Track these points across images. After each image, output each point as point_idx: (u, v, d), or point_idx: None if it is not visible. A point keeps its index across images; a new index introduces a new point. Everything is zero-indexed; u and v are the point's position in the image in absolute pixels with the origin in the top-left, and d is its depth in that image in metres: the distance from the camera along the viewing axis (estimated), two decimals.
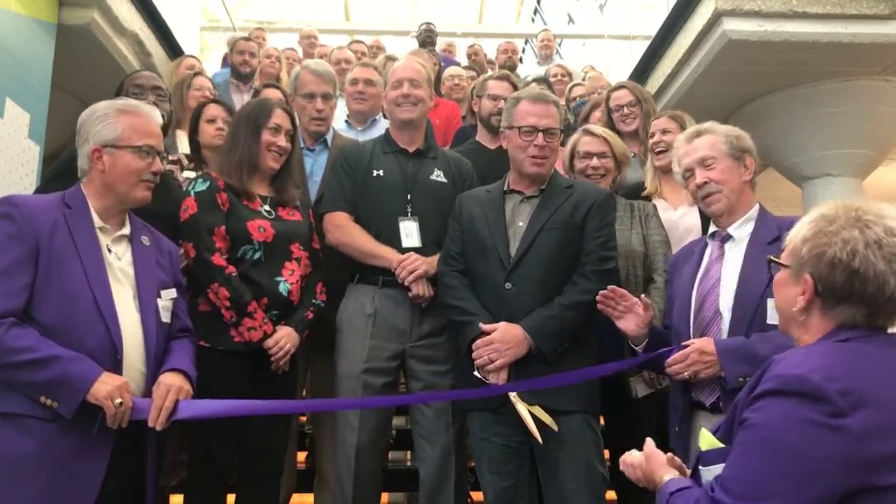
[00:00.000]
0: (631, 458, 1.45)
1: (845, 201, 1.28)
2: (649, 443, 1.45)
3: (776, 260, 1.34)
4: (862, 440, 1.05)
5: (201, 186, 2.31)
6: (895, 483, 1.05)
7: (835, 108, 4.61)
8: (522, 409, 2.06)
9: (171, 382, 1.84)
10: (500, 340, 2.12)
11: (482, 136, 3.47)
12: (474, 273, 2.29)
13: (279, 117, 2.41)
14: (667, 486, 1.31)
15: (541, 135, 2.28)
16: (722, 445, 1.24)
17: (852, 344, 1.19)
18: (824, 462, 1.05)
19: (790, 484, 1.07)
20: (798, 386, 1.10)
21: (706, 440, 1.29)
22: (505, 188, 2.38)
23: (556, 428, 2.07)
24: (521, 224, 2.28)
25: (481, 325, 2.16)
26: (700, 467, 1.28)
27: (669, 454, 1.41)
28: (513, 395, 2.09)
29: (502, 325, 2.15)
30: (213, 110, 2.96)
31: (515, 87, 3.49)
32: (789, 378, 1.12)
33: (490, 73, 4.44)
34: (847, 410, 1.06)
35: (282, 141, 2.39)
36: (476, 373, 2.16)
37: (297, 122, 3.12)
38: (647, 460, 1.41)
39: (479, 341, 2.15)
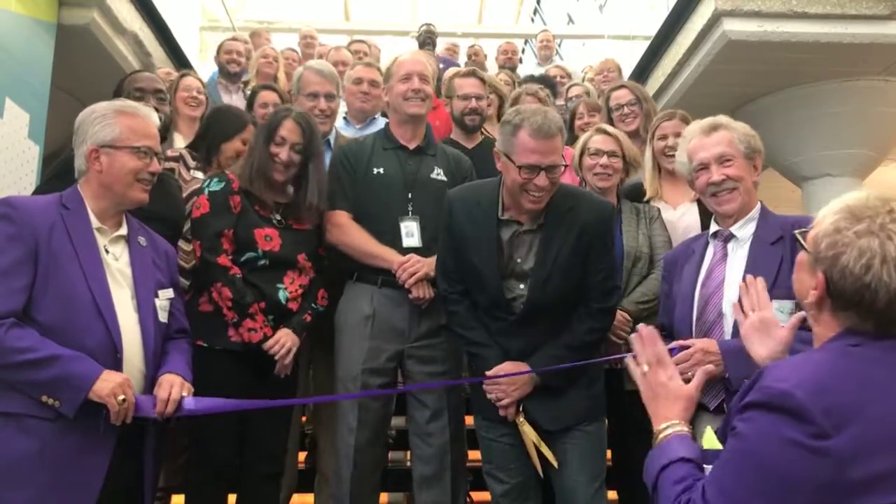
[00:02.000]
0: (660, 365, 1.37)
1: (883, 194, 1.18)
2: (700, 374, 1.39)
3: (801, 240, 1.27)
4: (844, 464, 1.00)
5: (216, 186, 2.32)
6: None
7: (835, 108, 4.61)
8: (527, 440, 2.12)
9: (174, 379, 1.85)
10: (507, 382, 2.13)
11: (457, 135, 3.45)
12: (476, 301, 2.22)
13: (286, 129, 2.37)
14: (670, 448, 1.27)
15: (543, 173, 2.04)
16: (720, 448, 1.22)
17: (859, 350, 1.13)
18: (802, 484, 1.02)
19: (766, 502, 1.04)
20: (782, 402, 1.05)
21: (708, 440, 1.28)
22: (500, 215, 2.16)
23: (555, 465, 2.11)
24: (519, 261, 2.16)
25: (487, 374, 2.15)
26: (704, 465, 1.26)
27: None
28: (521, 422, 2.13)
29: (507, 364, 2.14)
30: (250, 132, 2.78)
31: (484, 82, 3.46)
32: (774, 392, 1.07)
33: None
34: (831, 431, 1.01)
35: (283, 154, 2.36)
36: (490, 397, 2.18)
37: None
38: (663, 387, 1.35)
39: (488, 381, 2.15)
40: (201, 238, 2.26)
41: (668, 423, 1.33)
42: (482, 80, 3.46)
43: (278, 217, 2.38)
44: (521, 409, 2.15)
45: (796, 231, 1.30)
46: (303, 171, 2.41)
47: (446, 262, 2.26)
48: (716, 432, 1.29)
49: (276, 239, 2.33)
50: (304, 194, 2.42)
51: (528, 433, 2.13)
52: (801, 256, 1.26)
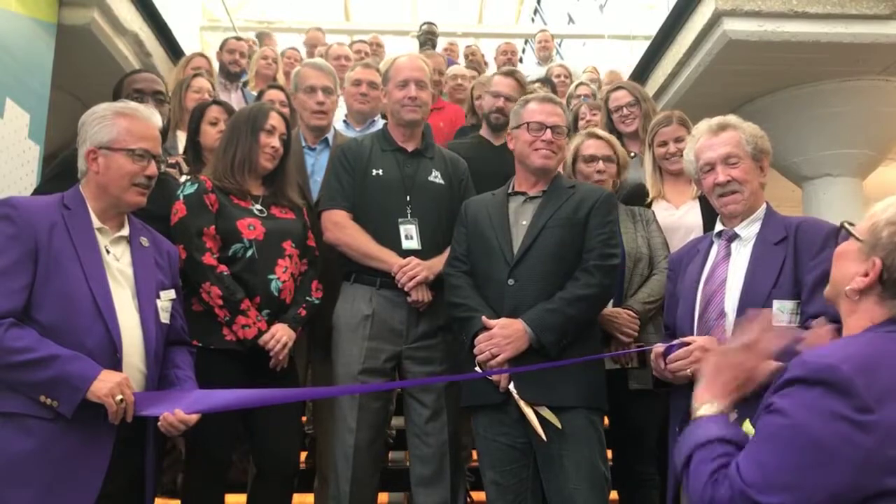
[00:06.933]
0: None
1: None
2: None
3: (850, 230, 1.28)
4: (884, 440, 1.02)
5: (189, 189, 2.33)
6: None
7: (835, 108, 4.61)
8: (526, 406, 2.07)
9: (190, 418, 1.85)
10: (501, 335, 2.12)
11: (485, 132, 3.45)
12: (479, 272, 2.29)
13: (274, 119, 2.45)
14: (708, 427, 1.25)
15: (549, 130, 2.31)
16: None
17: None
18: (842, 458, 1.03)
19: (808, 477, 1.04)
20: (826, 375, 1.06)
21: (748, 431, 1.25)
22: (509, 191, 2.40)
23: (559, 426, 2.07)
24: (524, 223, 2.29)
25: (483, 319, 2.16)
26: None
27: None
28: (515, 394, 2.09)
29: (503, 319, 2.15)
30: (214, 112, 2.93)
31: (522, 84, 3.46)
32: (819, 366, 1.08)
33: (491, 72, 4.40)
34: (874, 406, 1.03)
35: (275, 142, 2.43)
36: (478, 368, 2.15)
37: (299, 119, 3.13)
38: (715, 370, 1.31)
39: (480, 336, 2.15)
40: (184, 240, 2.26)
41: (708, 403, 1.30)
42: (520, 82, 3.44)
43: (259, 207, 2.40)
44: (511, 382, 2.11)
45: (844, 221, 1.31)
46: (281, 161, 2.48)
47: (455, 248, 2.40)
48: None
49: (259, 227, 2.34)
50: (284, 182, 2.48)
51: (521, 399, 2.08)
52: (848, 245, 1.27)
